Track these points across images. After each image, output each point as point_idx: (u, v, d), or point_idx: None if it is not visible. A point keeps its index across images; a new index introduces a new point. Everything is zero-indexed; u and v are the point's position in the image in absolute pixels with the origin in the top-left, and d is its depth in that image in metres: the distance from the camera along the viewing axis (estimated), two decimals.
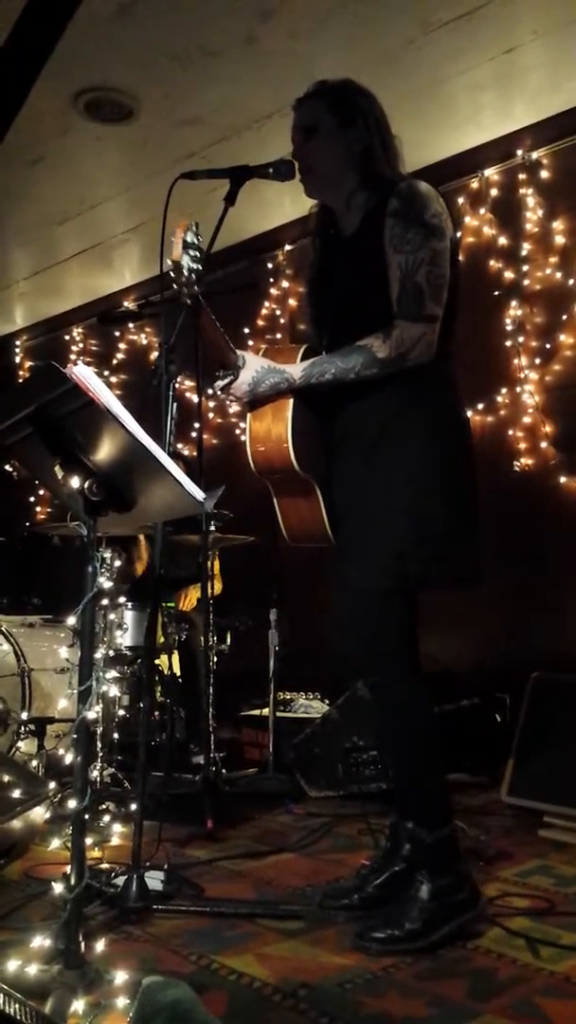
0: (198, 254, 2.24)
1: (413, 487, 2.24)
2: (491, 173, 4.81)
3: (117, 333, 6.77)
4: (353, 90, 2.40)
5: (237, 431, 5.63)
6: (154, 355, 6.25)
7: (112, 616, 3.85)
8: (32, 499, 7.18)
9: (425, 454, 2.27)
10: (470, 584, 2.37)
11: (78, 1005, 1.71)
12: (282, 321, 5.66)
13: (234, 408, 5.55)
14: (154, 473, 1.90)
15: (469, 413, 4.44)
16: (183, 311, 2.32)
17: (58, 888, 2.16)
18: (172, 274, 2.20)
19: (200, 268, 2.23)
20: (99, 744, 3.55)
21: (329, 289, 2.43)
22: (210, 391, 2.41)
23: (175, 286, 2.23)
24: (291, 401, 2.33)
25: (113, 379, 6.63)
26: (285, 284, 5.65)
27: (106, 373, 6.63)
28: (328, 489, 2.39)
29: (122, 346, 6.74)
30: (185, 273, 2.20)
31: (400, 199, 2.25)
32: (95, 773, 3.45)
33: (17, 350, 7.65)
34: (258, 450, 2.34)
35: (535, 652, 4.23)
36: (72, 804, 1.89)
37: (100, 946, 1.97)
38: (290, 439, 2.29)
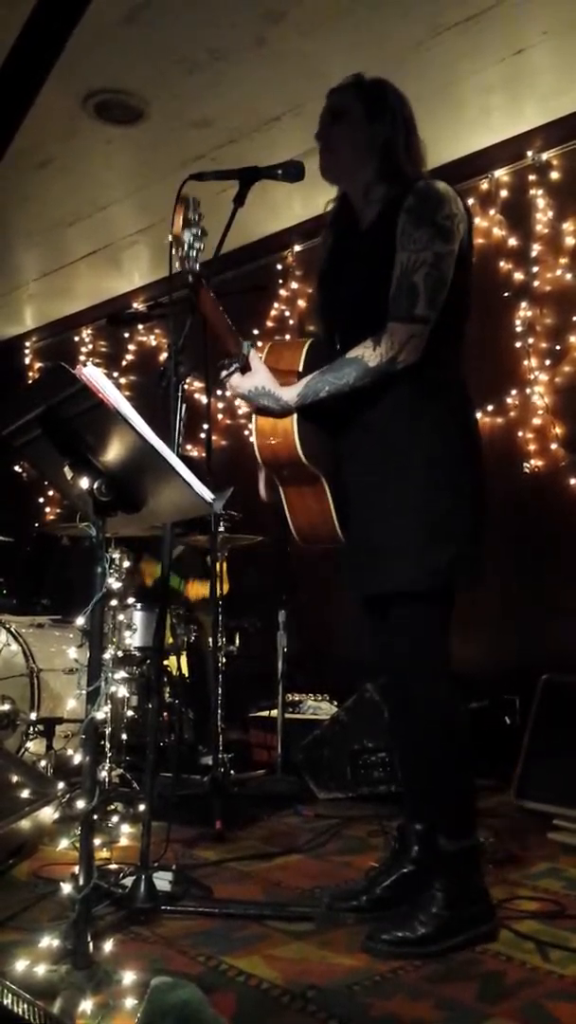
0: (199, 231, 2.24)
1: (426, 488, 2.24)
2: (501, 174, 4.81)
3: (126, 334, 6.78)
4: (387, 88, 2.42)
5: (246, 432, 5.63)
6: (163, 356, 6.25)
7: (121, 617, 3.86)
8: (41, 500, 7.19)
9: (436, 454, 2.26)
10: (474, 584, 2.35)
11: (86, 1005, 1.71)
12: (291, 323, 5.67)
13: (243, 409, 5.56)
14: (163, 474, 1.90)
15: (479, 415, 4.45)
16: (187, 293, 2.31)
17: (66, 888, 2.16)
18: (173, 250, 2.20)
19: (201, 246, 2.23)
20: (108, 745, 3.55)
21: (341, 282, 2.43)
22: (222, 375, 2.38)
23: (176, 263, 2.23)
24: None
25: (122, 380, 6.65)
26: (294, 285, 5.65)
27: (115, 374, 6.64)
28: (336, 486, 2.38)
29: (131, 347, 6.75)
30: (185, 248, 2.20)
31: (416, 197, 2.24)
32: (104, 774, 3.46)
33: (27, 351, 7.67)
34: (265, 444, 2.33)
35: (545, 654, 4.22)
36: (81, 804, 1.89)
37: (108, 947, 1.97)
38: (296, 432, 2.28)
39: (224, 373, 2.35)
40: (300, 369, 2.35)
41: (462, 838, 2.24)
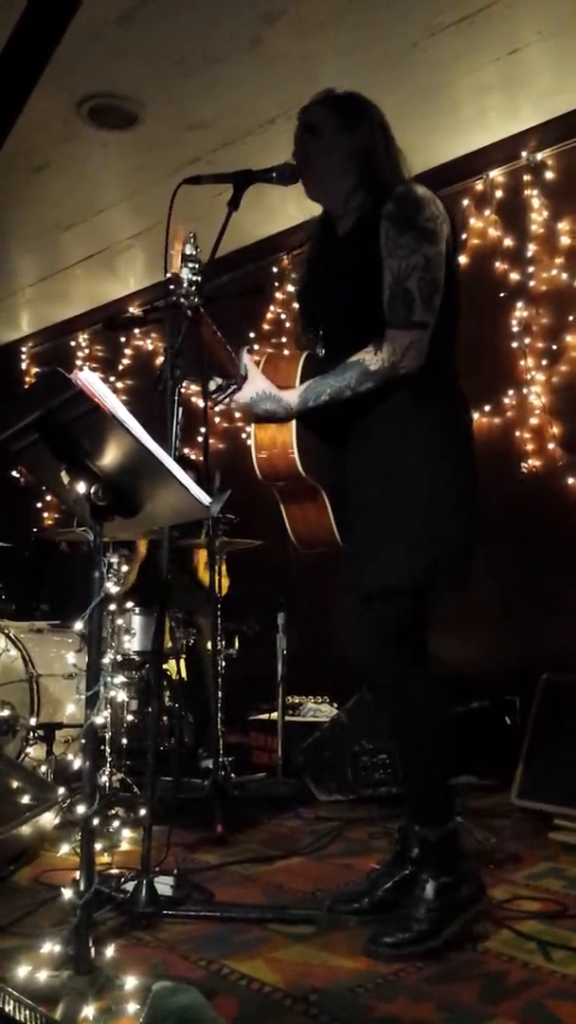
0: (196, 265, 2.26)
1: (424, 488, 2.24)
2: (496, 174, 4.81)
3: (123, 339, 6.78)
4: (359, 98, 2.42)
5: (243, 435, 5.63)
6: (160, 360, 6.26)
7: (120, 621, 3.86)
8: (39, 505, 7.19)
9: (433, 454, 2.27)
10: (466, 585, 2.36)
11: (88, 1011, 1.70)
12: (287, 325, 5.67)
13: (238, 413, 5.55)
14: (160, 478, 1.89)
15: (476, 415, 4.46)
16: (185, 322, 2.33)
17: (68, 894, 2.16)
18: (172, 286, 2.22)
19: (199, 280, 2.24)
20: (108, 749, 3.54)
21: (321, 291, 2.44)
22: (213, 398, 2.40)
23: (175, 299, 2.25)
24: None
25: (119, 385, 6.64)
26: (290, 288, 5.65)
27: (112, 379, 6.64)
28: (335, 494, 2.39)
29: (128, 352, 6.75)
30: (184, 285, 2.22)
31: (396, 202, 2.24)
32: (104, 778, 3.45)
33: (23, 356, 7.67)
34: (263, 457, 2.34)
35: (545, 654, 4.22)
36: (81, 809, 1.89)
37: (110, 951, 1.97)
38: (295, 446, 2.29)
39: (224, 395, 2.37)
40: (296, 384, 2.36)
41: (441, 825, 2.26)
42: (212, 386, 2.39)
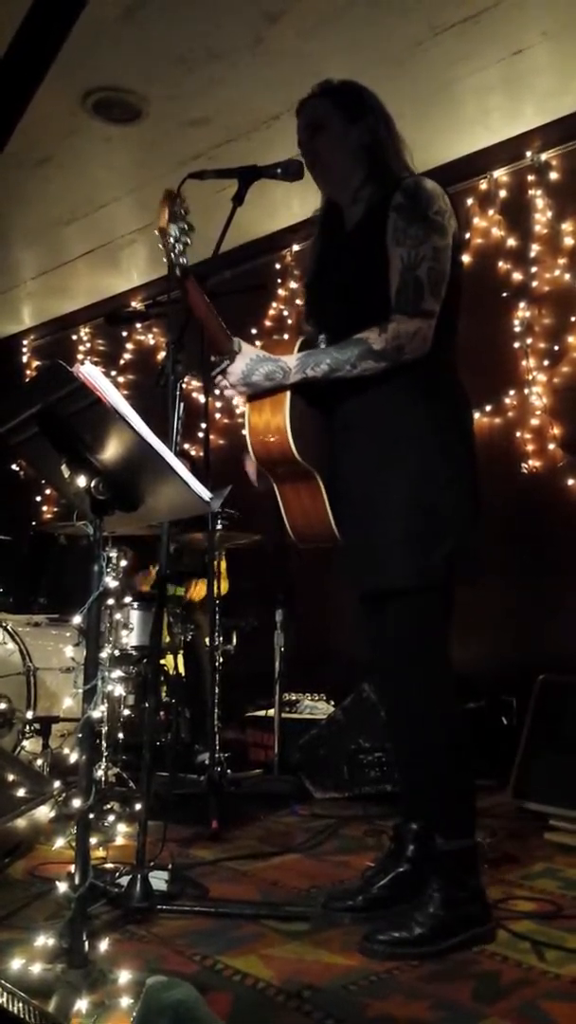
0: (185, 226, 2.24)
1: (422, 483, 2.23)
2: (500, 175, 4.81)
3: (124, 333, 6.78)
4: (357, 87, 2.42)
5: (243, 431, 5.61)
6: (161, 355, 6.25)
7: (118, 616, 3.85)
8: (39, 498, 7.18)
9: (432, 448, 2.26)
10: (476, 580, 2.35)
11: (82, 1004, 1.70)
12: (290, 322, 5.66)
13: (241, 408, 5.55)
14: (160, 473, 1.89)
15: (477, 415, 4.47)
16: (178, 288, 2.30)
17: (62, 887, 2.16)
18: (160, 245, 2.21)
19: (188, 240, 2.23)
20: (104, 744, 3.55)
21: (328, 283, 2.43)
22: (214, 373, 2.37)
23: (164, 259, 2.23)
24: (288, 393, 2.30)
25: (120, 379, 6.64)
26: (293, 285, 5.65)
27: (113, 373, 6.64)
28: (331, 483, 2.37)
29: (129, 346, 6.75)
30: (172, 243, 2.20)
31: (405, 194, 2.25)
32: (100, 772, 3.45)
33: (24, 350, 7.66)
34: (258, 442, 2.32)
35: (542, 654, 4.22)
36: (77, 803, 1.89)
37: (104, 946, 1.96)
38: (288, 430, 2.26)
39: (217, 370, 2.34)
40: None
41: (459, 837, 2.23)
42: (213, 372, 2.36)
